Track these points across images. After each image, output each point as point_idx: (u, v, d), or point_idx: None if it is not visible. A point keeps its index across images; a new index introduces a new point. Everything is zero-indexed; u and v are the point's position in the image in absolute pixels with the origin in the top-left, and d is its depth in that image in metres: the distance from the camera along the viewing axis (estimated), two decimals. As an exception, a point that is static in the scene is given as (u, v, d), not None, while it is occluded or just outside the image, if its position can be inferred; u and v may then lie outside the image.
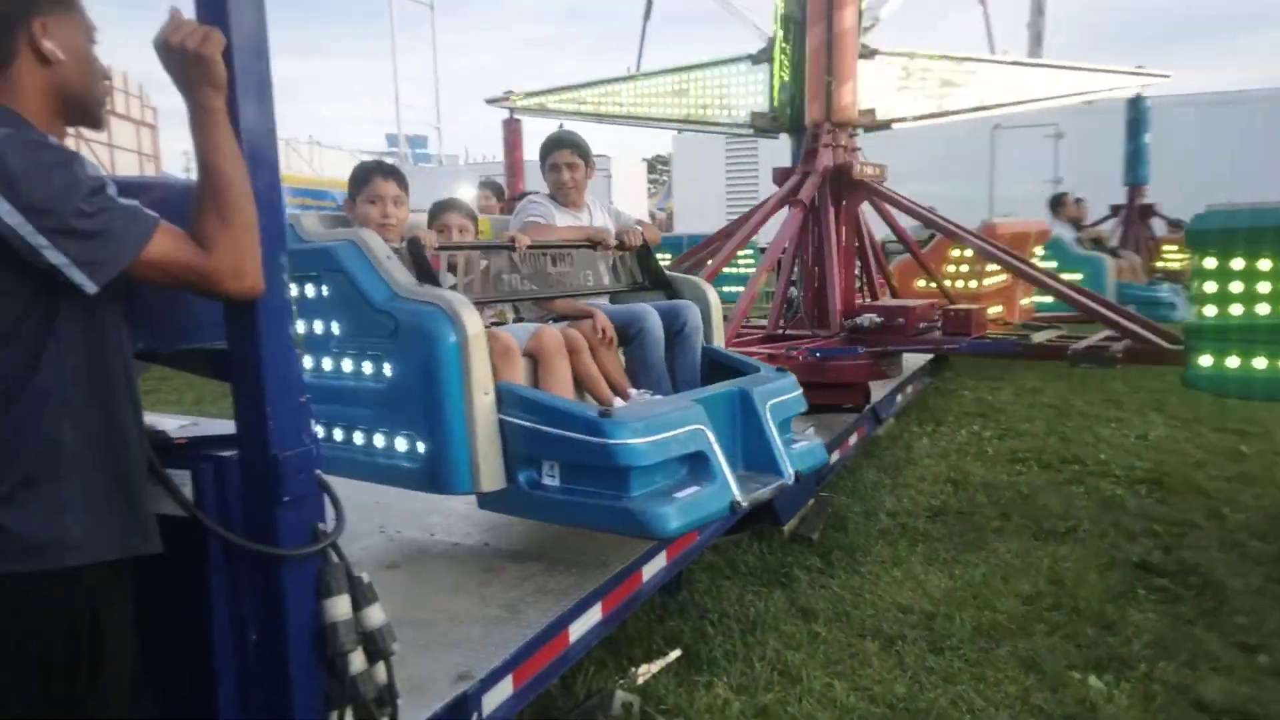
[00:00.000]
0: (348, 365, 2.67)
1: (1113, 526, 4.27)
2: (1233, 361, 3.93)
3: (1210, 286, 3.92)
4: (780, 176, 6.69)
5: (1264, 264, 3.80)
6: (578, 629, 2.52)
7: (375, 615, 1.75)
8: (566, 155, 3.57)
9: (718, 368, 3.32)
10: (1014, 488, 4.90)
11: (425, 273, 2.65)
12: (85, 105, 1.55)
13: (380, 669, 1.75)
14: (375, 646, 1.74)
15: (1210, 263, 3.90)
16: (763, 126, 8.47)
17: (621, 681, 2.85)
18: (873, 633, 3.21)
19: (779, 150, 9.68)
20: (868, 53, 8.59)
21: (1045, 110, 16.55)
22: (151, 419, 1.72)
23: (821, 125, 6.55)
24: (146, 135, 20.42)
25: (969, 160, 17.47)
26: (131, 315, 1.57)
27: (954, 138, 16.99)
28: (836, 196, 6.53)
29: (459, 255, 2.85)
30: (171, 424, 1.81)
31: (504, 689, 2.19)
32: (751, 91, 8.83)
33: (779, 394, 3.01)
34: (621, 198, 23.75)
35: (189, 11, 1.54)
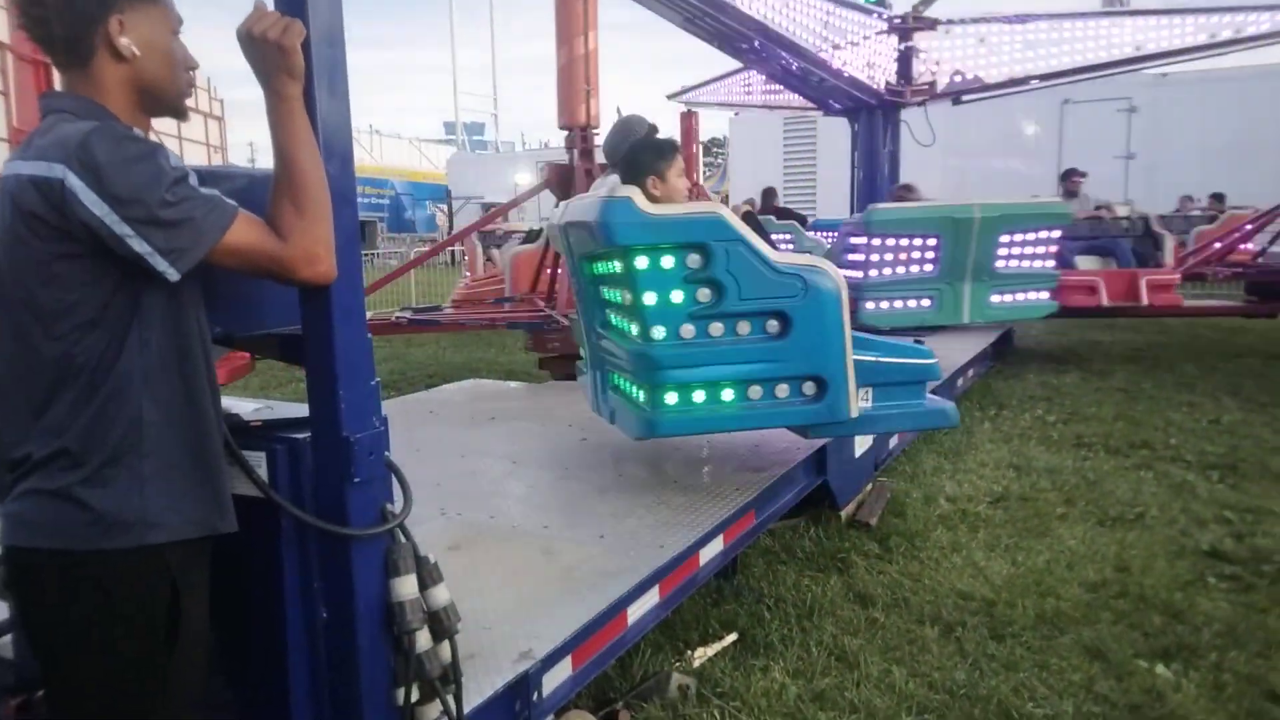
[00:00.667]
0: (744, 328, 3.00)
1: (1182, 513, 4.16)
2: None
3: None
4: None
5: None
6: (635, 611, 2.55)
7: (441, 595, 1.80)
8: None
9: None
10: (1079, 473, 4.79)
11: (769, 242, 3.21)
12: (166, 98, 1.58)
13: (445, 648, 1.80)
14: (440, 625, 1.79)
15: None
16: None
17: (678, 664, 2.88)
18: (932, 619, 3.18)
19: (837, 128, 9.52)
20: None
21: (1117, 83, 16.06)
22: (227, 402, 1.78)
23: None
24: (214, 127, 20.96)
25: (1036, 135, 16.99)
26: (209, 300, 1.62)
27: (1022, 111, 16.52)
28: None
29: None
30: (246, 407, 1.88)
31: (563, 669, 2.23)
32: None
33: None
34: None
35: (269, 3, 1.59)
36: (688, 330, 2.94)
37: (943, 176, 17.08)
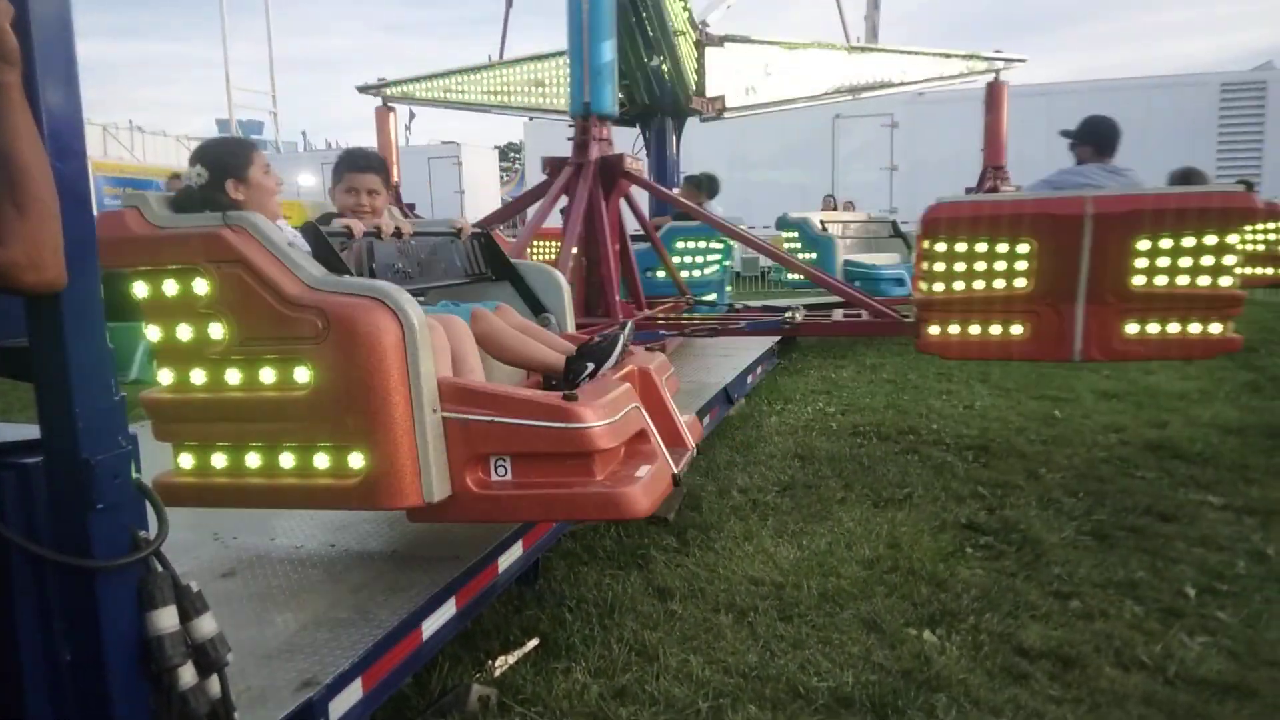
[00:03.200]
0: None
1: (943, 491, 4.57)
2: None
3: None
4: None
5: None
6: (431, 625, 2.47)
7: (206, 625, 1.66)
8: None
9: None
10: (856, 460, 5.15)
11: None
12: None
13: (213, 682, 1.66)
14: (207, 659, 1.65)
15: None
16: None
17: (478, 675, 2.82)
18: (726, 606, 3.31)
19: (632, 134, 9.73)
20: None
21: (882, 101, 17.52)
22: (-62, 428, 1.56)
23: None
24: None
25: (813, 148, 18.17)
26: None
27: (799, 126, 17.68)
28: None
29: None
30: (-38, 433, 1.65)
31: (353, 693, 2.12)
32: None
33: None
34: (473, 185, 23.38)
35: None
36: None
37: (726, 189, 18.00)
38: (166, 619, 1.60)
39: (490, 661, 2.90)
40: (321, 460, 2.30)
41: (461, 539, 2.87)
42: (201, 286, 2.27)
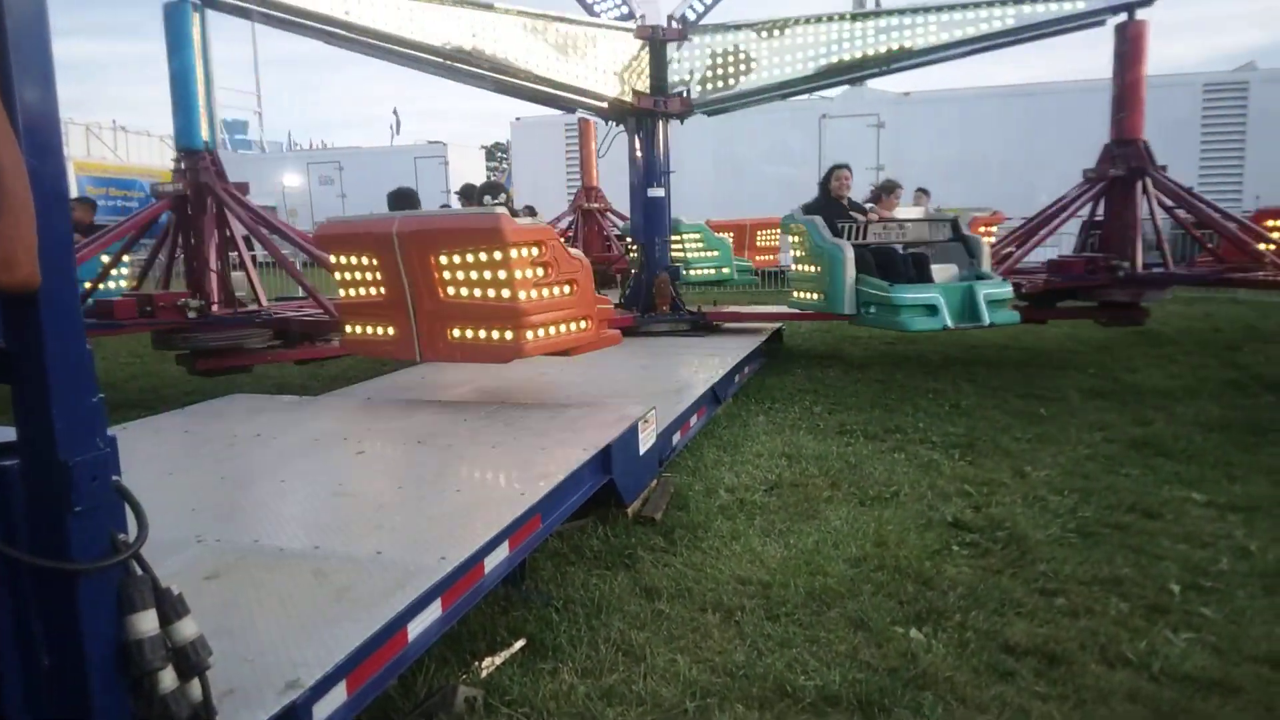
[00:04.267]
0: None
1: (930, 489, 4.58)
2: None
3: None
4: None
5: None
6: (416, 627, 2.45)
7: (187, 628, 1.64)
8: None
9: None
10: (842, 458, 5.16)
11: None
12: None
13: (194, 686, 1.64)
14: (188, 662, 1.63)
15: None
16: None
17: (465, 676, 2.81)
18: (713, 606, 3.30)
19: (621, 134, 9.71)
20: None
21: (868, 100, 17.58)
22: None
23: None
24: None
25: (802, 146, 18.26)
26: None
27: (786, 124, 17.77)
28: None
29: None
30: (-62, 435, 1.62)
31: (337, 695, 2.10)
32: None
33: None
34: (459, 184, 23.29)
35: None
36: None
37: (715, 184, 18.06)
38: (147, 622, 1.58)
39: (477, 663, 2.88)
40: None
41: (447, 539, 2.85)
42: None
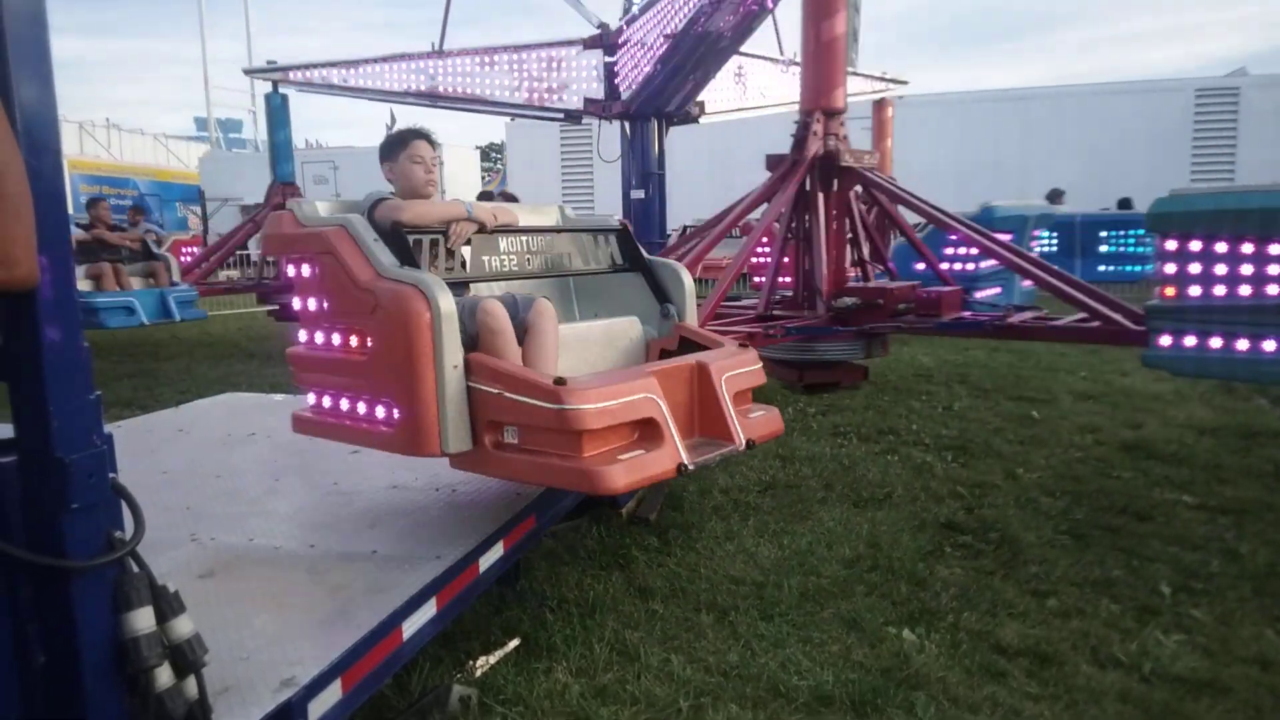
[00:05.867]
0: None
1: (923, 491, 4.60)
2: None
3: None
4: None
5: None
6: (410, 626, 2.45)
7: (183, 626, 1.64)
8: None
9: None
10: (836, 459, 5.17)
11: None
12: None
13: (190, 683, 1.65)
14: (184, 660, 1.63)
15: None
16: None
17: (459, 675, 2.81)
18: (708, 605, 3.31)
19: (615, 133, 9.77)
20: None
21: (863, 104, 17.67)
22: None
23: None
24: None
25: (784, 148, 18.43)
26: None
27: (778, 130, 17.85)
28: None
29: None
30: (-66, 432, 1.62)
31: (332, 693, 2.10)
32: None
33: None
34: (455, 185, 23.27)
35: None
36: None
37: (710, 189, 18.12)
38: (143, 620, 1.58)
39: (471, 662, 2.89)
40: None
41: (442, 539, 2.86)
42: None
